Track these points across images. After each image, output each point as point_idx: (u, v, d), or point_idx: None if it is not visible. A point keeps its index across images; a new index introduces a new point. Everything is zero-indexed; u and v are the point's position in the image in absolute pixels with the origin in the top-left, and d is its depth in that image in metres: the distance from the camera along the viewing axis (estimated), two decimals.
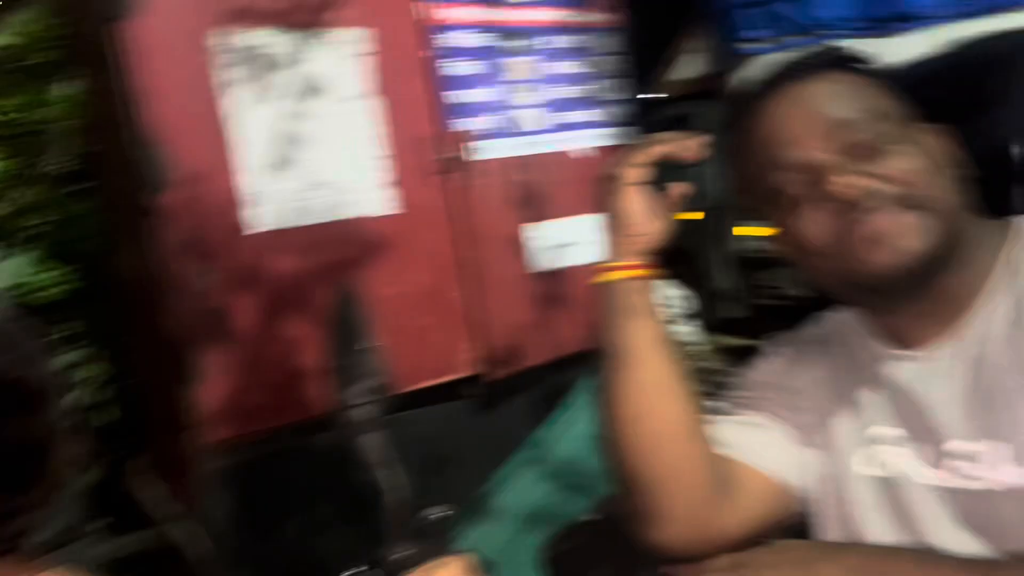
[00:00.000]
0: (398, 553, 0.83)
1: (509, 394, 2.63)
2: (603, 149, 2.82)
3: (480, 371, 2.51)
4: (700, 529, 0.80)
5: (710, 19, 5.95)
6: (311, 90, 2.25)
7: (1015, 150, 2.43)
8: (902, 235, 0.71)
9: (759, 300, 5.94)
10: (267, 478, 2.20)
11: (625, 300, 0.80)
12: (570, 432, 2.68)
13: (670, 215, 0.80)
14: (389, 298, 2.36)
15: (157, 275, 2.12)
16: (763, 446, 0.84)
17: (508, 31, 2.60)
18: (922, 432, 0.77)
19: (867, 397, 0.82)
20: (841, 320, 0.88)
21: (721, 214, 5.73)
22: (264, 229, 2.18)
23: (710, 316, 6.15)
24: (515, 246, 2.59)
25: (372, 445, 0.90)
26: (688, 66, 6.31)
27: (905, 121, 0.76)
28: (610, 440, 0.82)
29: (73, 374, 2.56)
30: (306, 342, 2.25)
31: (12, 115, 2.54)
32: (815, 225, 0.74)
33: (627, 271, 0.80)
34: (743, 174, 0.81)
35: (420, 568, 0.79)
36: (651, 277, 0.81)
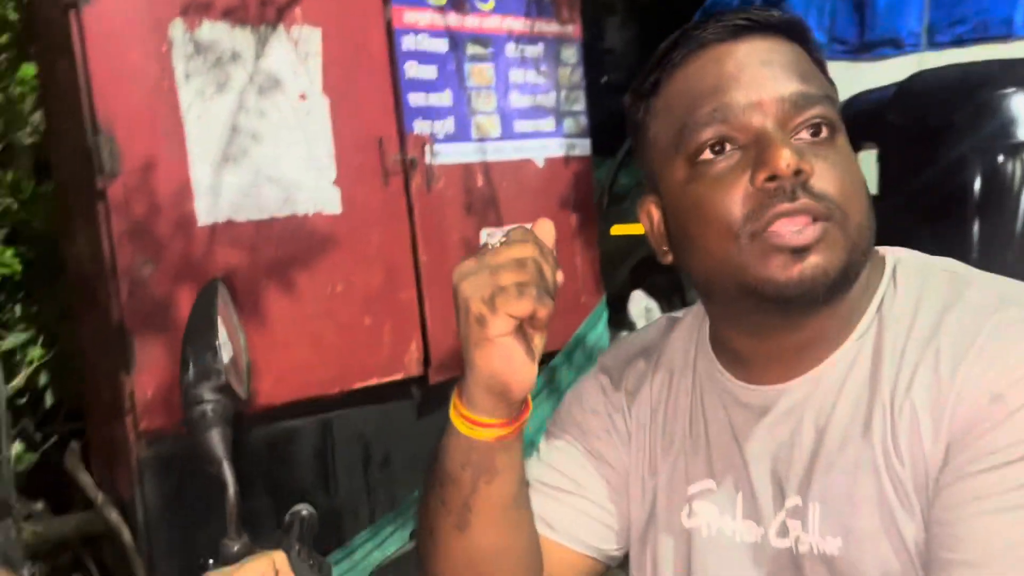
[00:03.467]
0: (231, 545, 0.84)
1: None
2: (561, 159, 2.85)
3: (428, 372, 2.52)
4: None
5: None
6: (266, 86, 2.26)
7: (967, 179, 2.45)
8: (824, 250, 0.61)
9: None
10: (197, 468, 2.21)
11: (486, 459, 0.67)
12: None
13: (535, 358, 0.64)
14: (339, 296, 2.37)
15: (101, 262, 2.12)
16: (573, 516, 0.77)
17: (472, 38, 2.62)
18: (746, 482, 0.70)
19: (694, 434, 0.75)
20: (684, 330, 0.80)
21: None
22: (212, 221, 2.19)
23: None
24: (471, 250, 2.61)
25: (216, 442, 0.90)
26: None
27: (840, 117, 0.66)
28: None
29: (15, 356, 2.55)
30: (248, 336, 2.26)
31: None
32: (734, 199, 0.63)
33: (494, 429, 0.66)
34: (658, 138, 0.69)
35: (241, 561, 0.79)
36: (519, 432, 0.68)
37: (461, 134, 2.59)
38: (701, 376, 0.76)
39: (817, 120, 0.64)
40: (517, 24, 2.73)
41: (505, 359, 0.62)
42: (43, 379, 2.64)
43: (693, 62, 0.67)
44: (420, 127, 2.50)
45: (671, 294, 6.10)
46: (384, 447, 2.50)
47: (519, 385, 0.63)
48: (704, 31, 0.67)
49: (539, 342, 0.63)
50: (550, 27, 2.82)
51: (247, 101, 2.23)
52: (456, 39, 2.57)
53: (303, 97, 2.31)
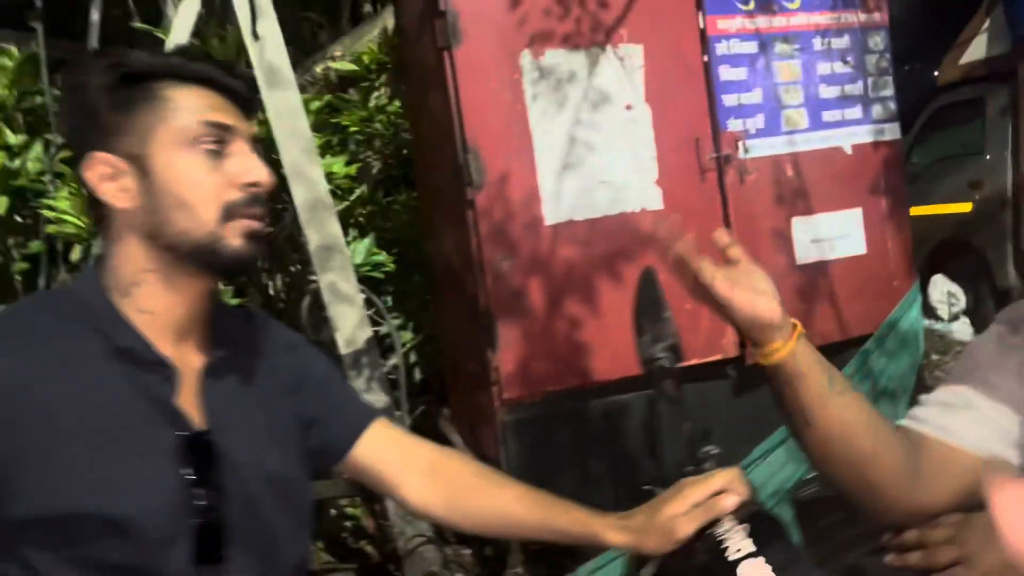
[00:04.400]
0: (686, 467, 1.10)
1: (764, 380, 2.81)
2: (869, 145, 2.90)
3: (743, 354, 2.71)
4: (904, 510, 0.92)
5: None
6: (597, 100, 2.57)
7: None
8: None
9: None
10: (548, 432, 2.58)
11: (785, 372, 0.88)
12: None
13: (758, 294, 0.87)
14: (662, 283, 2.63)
15: (468, 258, 2.55)
16: (967, 424, 0.92)
17: (779, 37, 2.76)
18: None
19: None
20: None
21: (1005, 206, 5.32)
22: (556, 221, 2.54)
23: (988, 314, 5.77)
24: (782, 239, 2.76)
25: (670, 388, 1.17)
26: (980, 48, 5.88)
27: None
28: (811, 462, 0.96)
29: (394, 338, 3.10)
30: (586, 320, 2.59)
31: (353, 128, 3.12)
32: None
33: (773, 352, 0.88)
34: None
35: (702, 477, 1.04)
36: (796, 347, 0.87)
37: (771, 129, 2.75)
38: None
39: None
40: (823, 19, 2.82)
41: (727, 307, 0.87)
42: (412, 358, 3.19)
43: None
44: (733, 125, 2.69)
45: (976, 278, 5.69)
46: (704, 422, 2.72)
47: (761, 314, 0.86)
48: None
49: (741, 286, 0.88)
50: (856, 17, 2.87)
51: (582, 115, 2.56)
52: (765, 40, 2.73)
53: (629, 107, 2.59)
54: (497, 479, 1.10)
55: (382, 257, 2.92)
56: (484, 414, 2.65)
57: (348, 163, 3.03)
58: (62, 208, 2.38)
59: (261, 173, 0.90)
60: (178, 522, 0.84)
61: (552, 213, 2.54)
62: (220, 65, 0.92)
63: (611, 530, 0.99)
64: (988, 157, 5.50)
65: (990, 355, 0.98)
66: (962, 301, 5.87)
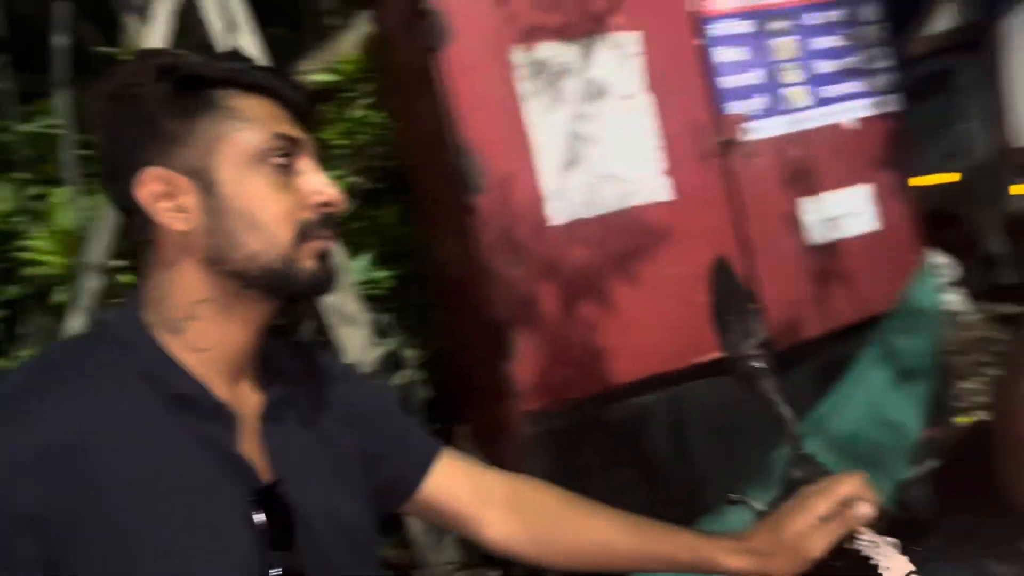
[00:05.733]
0: (794, 471, 0.99)
1: (787, 366, 2.71)
2: (871, 119, 2.83)
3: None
4: None
5: None
6: (594, 93, 2.47)
7: None
8: None
9: None
10: (573, 441, 2.46)
11: None
12: (849, 407, 2.72)
13: None
14: (672, 278, 2.53)
15: (475, 266, 2.43)
16: None
17: (774, 14, 2.68)
18: None
19: None
20: None
21: (990, 174, 5.34)
22: (561, 222, 2.43)
23: (979, 284, 5.76)
24: (790, 221, 2.68)
25: (767, 388, 1.07)
26: (946, 18, 5.88)
27: None
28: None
29: (398, 357, 2.97)
30: (603, 321, 2.48)
31: (335, 140, 2.99)
32: None
33: None
34: None
35: (823, 481, 0.94)
36: None
37: (772, 109, 2.66)
38: None
39: None
40: None
41: None
42: (417, 376, 3.06)
43: None
44: (734, 108, 2.60)
45: (964, 248, 5.69)
46: (731, 416, 2.62)
47: None
48: None
49: None
50: None
51: (581, 109, 2.45)
52: (760, 17, 2.64)
53: (628, 97, 2.49)
54: (586, 506, 0.98)
55: (380, 274, 2.79)
56: (504, 428, 2.53)
57: (335, 179, 2.89)
58: (39, 248, 2.22)
59: (333, 191, 0.83)
60: None
61: (559, 212, 2.44)
62: (278, 73, 0.83)
63: (728, 554, 0.88)
64: (969, 126, 5.53)
65: None
66: (954, 272, 5.87)
